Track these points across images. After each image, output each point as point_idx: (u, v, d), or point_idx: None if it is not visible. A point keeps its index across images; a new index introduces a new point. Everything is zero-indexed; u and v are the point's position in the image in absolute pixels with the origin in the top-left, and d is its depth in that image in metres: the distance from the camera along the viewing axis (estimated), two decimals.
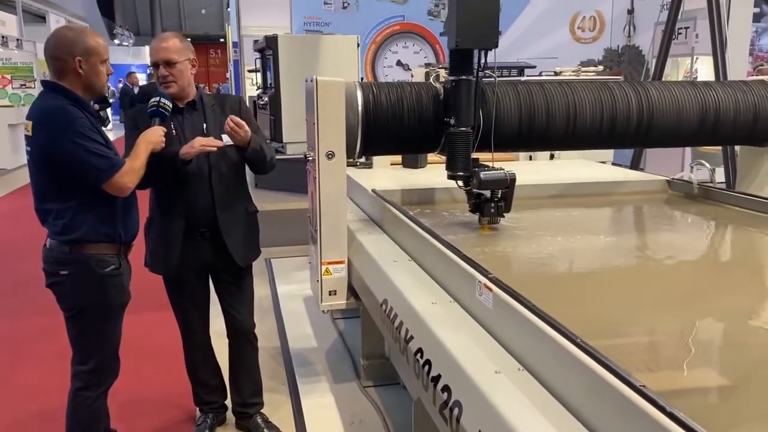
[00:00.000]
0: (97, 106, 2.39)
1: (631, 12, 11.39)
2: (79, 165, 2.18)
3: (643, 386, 1.26)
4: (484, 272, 1.99)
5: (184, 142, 2.57)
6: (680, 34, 9.54)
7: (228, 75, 16.34)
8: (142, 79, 19.62)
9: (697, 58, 9.63)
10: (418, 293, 2.28)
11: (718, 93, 3.36)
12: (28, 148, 2.26)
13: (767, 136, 3.48)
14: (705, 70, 9.01)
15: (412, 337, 2.09)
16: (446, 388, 1.74)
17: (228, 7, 20.54)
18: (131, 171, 2.27)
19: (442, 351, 1.85)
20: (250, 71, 8.80)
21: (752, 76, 6.67)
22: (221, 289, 2.84)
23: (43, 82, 2.31)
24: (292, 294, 4.84)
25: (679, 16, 9.00)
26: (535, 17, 11.86)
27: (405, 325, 2.18)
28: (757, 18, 14.77)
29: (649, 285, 2.40)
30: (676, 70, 10.22)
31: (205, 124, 2.64)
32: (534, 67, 7.98)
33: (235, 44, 12.17)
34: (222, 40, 21.85)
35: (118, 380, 2.52)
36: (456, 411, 1.65)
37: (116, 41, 24.91)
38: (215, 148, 2.53)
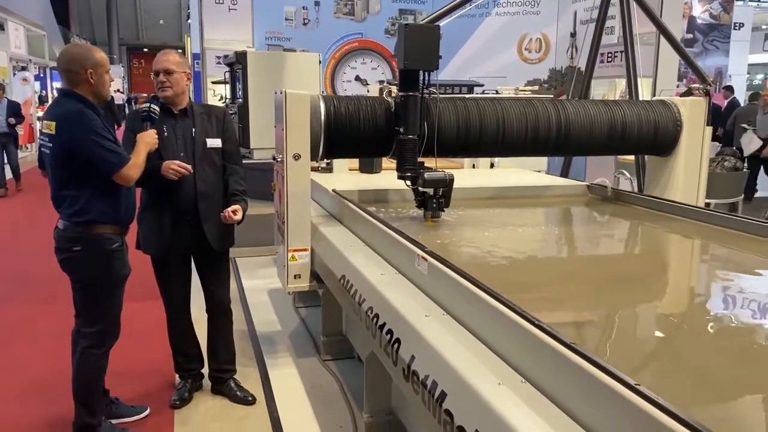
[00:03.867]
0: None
1: (573, 35, 12.15)
2: (97, 159, 2.63)
3: (524, 312, 1.79)
4: (421, 247, 2.52)
5: (175, 142, 3.06)
6: (616, 57, 10.29)
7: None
8: None
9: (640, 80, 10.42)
10: (370, 268, 2.79)
11: (625, 110, 3.99)
12: (50, 145, 2.68)
13: (667, 147, 4.13)
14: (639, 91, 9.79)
15: (364, 300, 2.59)
16: (389, 332, 2.25)
17: (188, 19, 20.76)
18: (135, 165, 2.74)
19: (387, 306, 2.37)
20: (213, 83, 9.17)
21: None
22: (202, 269, 3.30)
23: (60, 90, 2.76)
24: (257, 288, 5.27)
25: (617, 41, 9.79)
26: (486, 38, 12.57)
27: (359, 292, 2.68)
28: (689, 44, 15.92)
29: (559, 262, 2.98)
30: (613, 91, 10.96)
31: (194, 129, 3.11)
32: (482, 85, 8.66)
33: (196, 56, 12.49)
34: (180, 51, 22.09)
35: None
36: (396, 346, 2.16)
37: None
38: (187, 172, 3.01)
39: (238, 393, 3.34)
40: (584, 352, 1.51)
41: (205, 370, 3.46)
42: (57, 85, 20.19)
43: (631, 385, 1.34)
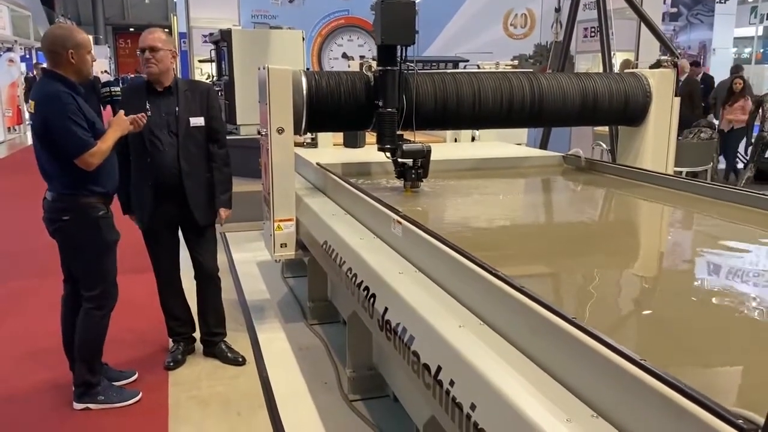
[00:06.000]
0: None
1: (558, 10, 12.16)
2: (62, 140, 2.78)
3: (482, 262, 1.97)
4: (396, 211, 2.70)
5: (159, 119, 3.20)
6: (599, 31, 10.38)
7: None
8: None
9: (614, 54, 10.54)
10: (350, 234, 2.96)
11: (596, 82, 4.15)
12: (31, 123, 2.85)
13: (637, 117, 4.29)
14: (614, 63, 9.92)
15: (344, 262, 2.77)
16: (366, 288, 2.43)
17: None
18: (98, 152, 2.84)
19: (364, 266, 2.54)
20: (200, 61, 9.25)
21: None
22: (189, 240, 3.47)
23: (43, 69, 2.90)
24: (246, 260, 5.45)
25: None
26: (472, 14, 12.62)
27: (340, 255, 2.86)
28: (674, 17, 16.04)
29: (528, 225, 3.16)
30: (597, 66, 11.05)
31: (177, 107, 3.25)
32: (467, 61, 8.75)
33: (182, 35, 12.49)
34: (167, 30, 21.91)
35: None
36: (372, 300, 2.35)
37: None
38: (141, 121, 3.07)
39: (229, 354, 3.53)
40: (531, 293, 1.69)
41: (197, 335, 3.64)
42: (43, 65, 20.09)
43: (568, 318, 1.53)
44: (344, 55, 12.43)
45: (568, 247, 2.70)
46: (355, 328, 2.98)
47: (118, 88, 2.65)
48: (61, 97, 2.77)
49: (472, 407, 1.56)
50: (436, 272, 2.26)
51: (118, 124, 2.96)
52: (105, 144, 2.88)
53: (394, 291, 2.20)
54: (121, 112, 3.01)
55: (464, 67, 6.62)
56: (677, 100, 4.28)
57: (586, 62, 10.60)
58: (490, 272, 1.90)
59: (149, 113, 3.19)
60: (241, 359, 3.51)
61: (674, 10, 15.67)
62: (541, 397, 1.47)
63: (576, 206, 3.78)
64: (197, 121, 3.30)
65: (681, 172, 5.44)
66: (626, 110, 4.22)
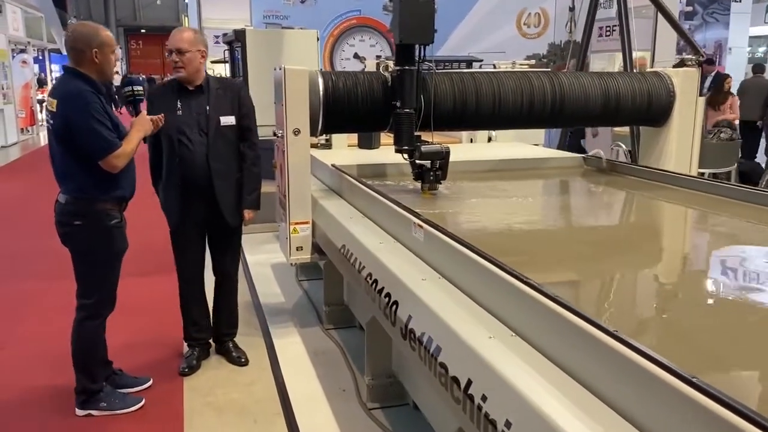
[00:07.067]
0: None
1: (572, 9, 12.07)
2: (87, 141, 2.71)
3: (513, 270, 1.89)
4: (417, 215, 2.62)
5: (190, 118, 3.15)
6: (615, 30, 10.28)
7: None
8: None
9: (635, 52, 10.42)
10: (369, 237, 2.89)
11: (619, 82, 4.05)
12: (51, 122, 2.78)
13: (660, 117, 4.19)
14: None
15: (364, 267, 2.69)
16: (387, 295, 2.36)
17: None
18: (123, 154, 2.79)
19: (385, 271, 2.47)
20: (213, 62, 9.22)
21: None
22: (214, 241, 3.43)
23: (65, 68, 2.84)
24: (260, 262, 5.39)
25: (615, 14, 9.78)
26: (484, 13, 12.51)
27: (359, 260, 2.78)
28: (689, 16, 15.84)
29: (552, 229, 3.07)
30: (612, 65, 10.94)
31: (208, 106, 3.19)
32: (481, 60, 8.65)
33: None
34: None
35: (117, 327, 3.09)
36: (394, 307, 2.27)
37: None
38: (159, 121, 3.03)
39: (234, 353, 3.52)
40: (567, 303, 1.61)
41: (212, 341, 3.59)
42: (56, 67, 20.21)
43: (609, 330, 1.45)
44: (356, 56, 12.34)
45: (599, 252, 2.61)
46: (374, 335, 2.91)
47: (141, 88, 2.61)
48: (85, 95, 2.71)
49: (507, 424, 1.48)
50: (462, 279, 2.18)
51: (141, 125, 2.90)
52: (129, 145, 2.83)
53: (419, 298, 2.12)
54: (144, 112, 2.97)
55: (479, 67, 6.52)
56: (702, 99, 4.17)
57: (602, 62, 10.48)
58: (522, 280, 1.81)
59: (180, 112, 3.14)
60: (243, 359, 3.49)
61: (689, 8, 15.47)
62: (582, 415, 1.39)
63: (601, 209, 3.68)
64: (228, 120, 3.24)
65: (704, 174, 5.32)
66: (649, 110, 4.12)
